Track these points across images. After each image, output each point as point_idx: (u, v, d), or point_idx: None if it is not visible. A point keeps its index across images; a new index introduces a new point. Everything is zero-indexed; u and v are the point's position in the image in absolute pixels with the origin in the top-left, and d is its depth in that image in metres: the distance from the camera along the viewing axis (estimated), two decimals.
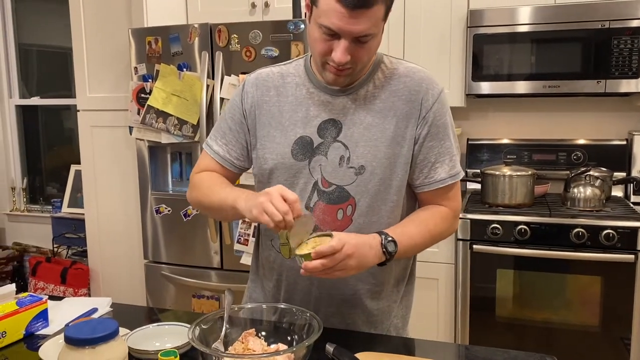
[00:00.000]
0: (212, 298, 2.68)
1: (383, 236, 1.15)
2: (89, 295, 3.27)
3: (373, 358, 1.10)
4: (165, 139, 2.68)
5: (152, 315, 1.56)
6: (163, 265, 2.81)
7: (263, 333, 1.16)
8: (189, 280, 2.72)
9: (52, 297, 1.48)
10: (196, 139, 2.62)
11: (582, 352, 2.38)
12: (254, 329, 1.15)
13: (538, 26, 2.54)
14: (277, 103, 1.28)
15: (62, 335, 1.22)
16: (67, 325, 1.31)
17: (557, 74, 2.54)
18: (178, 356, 0.81)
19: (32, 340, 1.29)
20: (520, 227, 2.39)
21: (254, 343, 1.11)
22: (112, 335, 0.94)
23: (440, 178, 1.25)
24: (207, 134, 2.56)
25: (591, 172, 2.49)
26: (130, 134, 2.77)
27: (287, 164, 1.25)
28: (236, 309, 1.18)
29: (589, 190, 2.47)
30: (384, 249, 1.14)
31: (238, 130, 1.32)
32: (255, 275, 1.43)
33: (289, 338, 1.15)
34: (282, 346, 1.14)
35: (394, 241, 1.15)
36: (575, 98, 2.84)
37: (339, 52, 1.12)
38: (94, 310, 1.41)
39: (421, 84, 1.24)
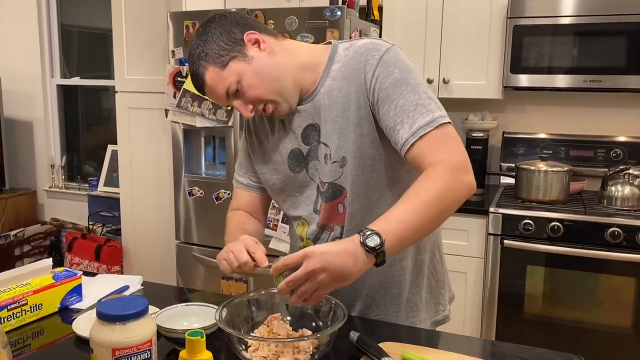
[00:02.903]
0: (241, 280, 2.72)
1: (361, 233, 1.00)
2: (122, 273, 3.36)
3: (397, 348, 1.10)
4: (199, 122, 2.72)
5: (181, 294, 1.60)
6: (194, 247, 2.86)
7: (288, 318, 1.17)
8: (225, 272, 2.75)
9: (86, 273, 1.53)
10: (230, 123, 2.65)
11: (612, 354, 2.34)
12: (279, 313, 1.17)
13: (581, 18, 2.47)
14: (261, 129, 1.34)
15: (94, 310, 1.26)
16: (99, 301, 1.35)
17: (600, 68, 2.47)
18: (204, 336, 0.82)
19: (66, 314, 1.33)
20: (553, 223, 2.35)
21: (279, 327, 1.12)
22: (142, 313, 0.96)
23: (404, 140, 1.10)
24: (241, 119, 2.59)
25: (630, 171, 2.42)
26: (166, 117, 2.81)
27: (290, 179, 1.31)
28: (263, 292, 1.19)
29: (627, 189, 2.40)
30: (365, 247, 0.99)
31: (248, 158, 1.40)
32: None
33: (313, 324, 1.16)
34: (306, 331, 1.15)
35: (376, 234, 0.99)
36: (617, 94, 2.76)
37: (241, 112, 1.20)
38: (126, 287, 1.45)
39: (360, 59, 1.18)
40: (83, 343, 1.16)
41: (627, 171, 2.43)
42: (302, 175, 1.29)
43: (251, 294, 1.19)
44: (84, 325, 1.20)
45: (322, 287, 1.01)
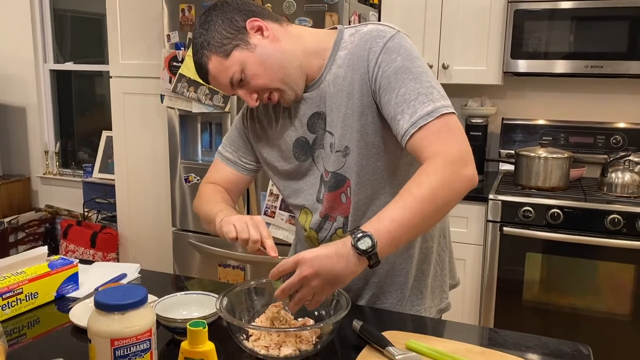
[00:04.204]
0: (238, 268, 2.70)
1: (353, 235, 0.96)
2: (118, 260, 3.34)
3: (401, 337, 1.09)
4: (196, 108, 2.68)
5: (179, 282, 1.57)
6: (190, 234, 2.84)
7: None
8: (216, 249, 2.74)
9: (82, 261, 1.50)
10: (227, 109, 2.61)
11: (611, 341, 2.34)
12: (280, 302, 1.15)
13: (583, 2, 2.44)
14: (264, 114, 1.31)
15: (91, 299, 1.23)
16: (96, 289, 1.33)
17: (601, 54, 2.44)
18: (206, 327, 0.80)
19: (62, 302, 1.31)
20: (553, 210, 2.34)
21: (281, 316, 1.10)
22: (141, 302, 0.94)
23: (404, 130, 1.07)
24: (238, 105, 2.56)
25: (631, 157, 2.41)
26: (162, 102, 2.77)
27: (295, 167, 1.28)
28: (264, 281, 1.17)
29: (627, 176, 2.39)
30: (358, 251, 0.95)
31: (244, 139, 1.36)
32: (294, 251, 1.46)
33: (316, 313, 1.14)
34: (309, 320, 1.13)
35: (368, 235, 0.95)
36: (617, 79, 2.73)
37: (247, 101, 1.18)
38: (123, 275, 1.43)
39: (365, 46, 1.14)
40: (80, 332, 1.13)
41: (627, 158, 2.41)
42: (307, 164, 1.27)
43: (252, 283, 1.17)
44: (80, 314, 1.18)
45: (318, 292, 0.99)
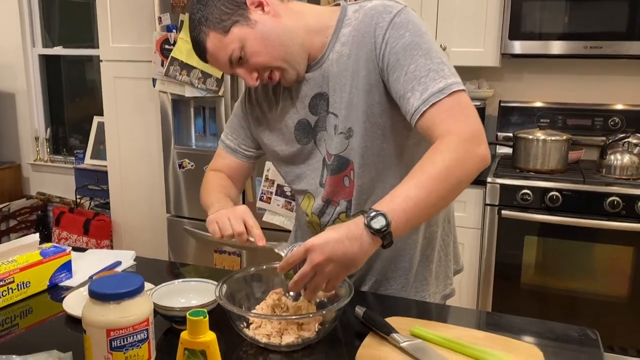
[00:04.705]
0: (234, 254, 2.67)
1: (365, 215, 0.93)
2: (112, 247, 3.30)
3: (405, 324, 1.06)
4: (188, 92, 2.63)
5: (175, 269, 1.54)
6: (185, 220, 2.80)
7: (291, 293, 1.12)
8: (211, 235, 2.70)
9: (75, 249, 1.47)
10: (220, 93, 2.56)
11: (609, 323, 2.33)
12: (281, 289, 1.12)
13: None
14: (264, 98, 1.27)
15: (86, 287, 1.20)
16: (90, 277, 1.29)
17: (601, 34, 2.40)
18: (207, 316, 0.77)
19: (55, 291, 1.27)
20: (552, 193, 2.32)
21: (282, 303, 1.07)
22: (138, 290, 0.90)
23: (414, 108, 1.02)
24: (232, 88, 2.51)
25: (630, 139, 2.39)
26: (154, 86, 2.72)
27: (297, 151, 1.24)
28: (264, 267, 1.14)
29: (626, 158, 2.37)
30: (371, 230, 0.92)
31: (244, 126, 1.33)
32: (294, 238, 1.43)
33: (317, 300, 1.11)
34: (311, 307, 1.10)
35: (381, 214, 0.92)
36: (615, 60, 2.70)
37: (246, 80, 1.14)
38: (118, 263, 1.39)
39: (371, 22, 1.10)
40: (75, 322, 1.10)
41: (626, 139, 2.40)
42: (309, 147, 1.23)
43: (252, 269, 1.14)
44: (75, 303, 1.14)
45: (333, 278, 0.96)
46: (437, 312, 1.20)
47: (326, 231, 0.95)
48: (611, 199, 2.25)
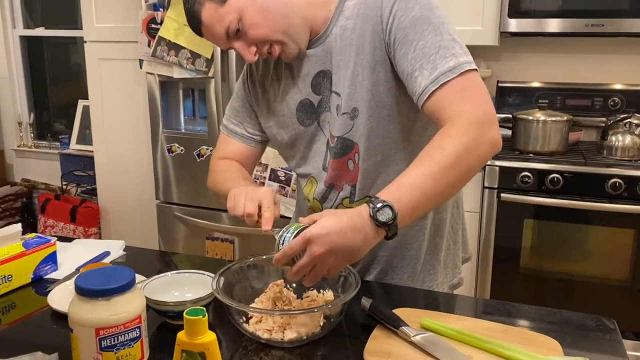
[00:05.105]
0: (227, 241, 2.60)
1: (371, 205, 0.87)
2: (100, 234, 3.21)
3: (413, 315, 1.00)
4: (177, 73, 2.53)
5: (166, 259, 1.47)
6: (175, 206, 2.72)
7: (294, 284, 1.06)
8: (202, 222, 2.63)
9: (61, 239, 1.39)
10: (210, 74, 2.47)
11: (610, 306, 2.30)
12: (282, 280, 1.05)
13: None
14: (265, 77, 1.19)
15: (72, 281, 1.12)
16: (77, 269, 1.22)
17: (602, 11, 2.33)
18: (206, 315, 0.70)
19: (40, 285, 1.20)
20: (552, 175, 2.26)
21: (284, 296, 1.00)
22: (129, 285, 0.83)
23: (422, 88, 0.96)
24: (222, 69, 2.41)
25: (632, 120, 2.33)
26: (141, 68, 2.62)
27: (300, 134, 1.17)
28: (264, 257, 1.07)
29: (628, 139, 2.32)
30: (376, 222, 0.86)
31: (248, 108, 1.25)
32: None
33: (321, 291, 1.04)
34: (314, 296, 1.03)
35: (388, 206, 0.86)
36: (616, 39, 2.64)
37: (244, 55, 1.06)
38: (106, 254, 1.31)
39: None
40: (61, 318, 1.03)
41: (627, 120, 2.34)
42: (312, 129, 1.15)
43: (250, 259, 1.07)
44: (60, 298, 1.07)
45: (333, 267, 0.90)
46: (446, 303, 1.15)
47: (327, 218, 0.88)
48: (613, 180, 2.20)
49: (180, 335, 0.70)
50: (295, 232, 0.90)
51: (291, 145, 1.20)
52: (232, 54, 2.36)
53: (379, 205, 0.86)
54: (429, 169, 0.89)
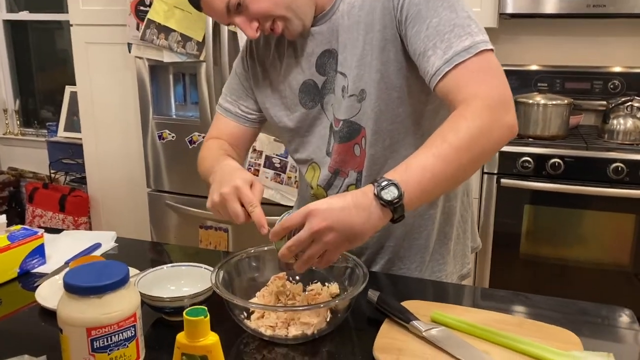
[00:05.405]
0: (220, 229, 2.54)
1: (376, 184, 0.81)
2: (90, 224, 3.14)
3: (421, 307, 0.95)
4: (167, 57, 2.45)
5: (158, 248, 1.41)
6: (166, 194, 2.66)
7: (297, 277, 1.00)
8: (195, 210, 2.56)
9: (48, 230, 1.32)
10: (202, 58, 2.39)
11: (611, 292, 2.27)
12: (284, 273, 1.00)
13: None
14: (266, 55, 1.13)
15: (61, 275, 1.06)
16: (67, 263, 1.15)
17: None
18: (208, 315, 0.64)
19: (27, 279, 1.13)
20: (553, 160, 2.22)
21: (288, 289, 0.95)
22: (122, 281, 0.77)
23: (435, 68, 0.90)
24: (215, 52, 2.34)
25: (633, 103, 2.29)
26: (129, 52, 2.53)
27: (302, 116, 1.10)
28: (265, 248, 1.01)
29: (629, 122, 2.27)
30: (381, 201, 0.80)
31: (245, 86, 1.19)
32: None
33: (326, 284, 0.99)
34: (318, 288, 0.98)
35: (393, 184, 0.80)
36: (615, 20, 2.58)
37: (245, 31, 1.00)
38: (97, 246, 1.25)
39: None
40: (50, 315, 0.96)
41: (629, 103, 2.30)
42: (315, 112, 1.09)
43: (251, 250, 1.01)
44: (48, 294, 1.01)
45: (331, 249, 0.83)
46: (455, 294, 1.10)
47: (330, 197, 0.83)
48: (615, 165, 2.16)
49: (180, 338, 0.65)
50: None
51: (291, 129, 1.14)
52: (225, 36, 2.28)
53: (383, 183, 0.81)
54: (440, 151, 0.83)
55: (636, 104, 2.30)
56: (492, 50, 0.91)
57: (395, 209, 0.81)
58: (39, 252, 1.17)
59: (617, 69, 2.61)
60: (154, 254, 1.35)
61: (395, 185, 0.81)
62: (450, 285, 1.13)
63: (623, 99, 2.32)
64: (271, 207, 2.30)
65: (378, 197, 0.80)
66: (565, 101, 2.34)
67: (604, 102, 2.50)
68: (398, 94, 1.00)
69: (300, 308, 0.88)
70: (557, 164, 2.21)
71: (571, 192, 2.22)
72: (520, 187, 2.27)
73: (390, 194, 0.80)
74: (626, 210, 2.20)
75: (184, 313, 0.64)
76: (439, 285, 1.11)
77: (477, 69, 0.88)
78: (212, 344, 0.64)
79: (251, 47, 1.16)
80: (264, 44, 1.14)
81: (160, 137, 2.60)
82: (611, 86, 2.60)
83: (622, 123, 2.29)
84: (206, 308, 0.64)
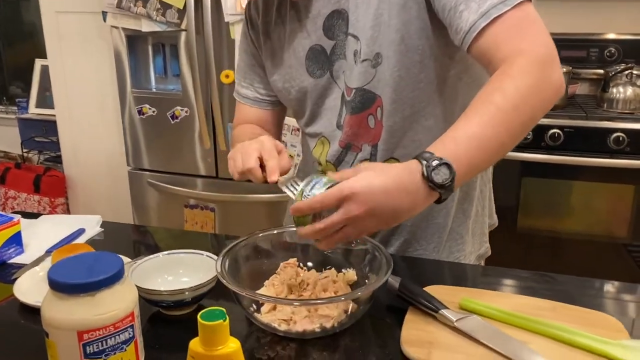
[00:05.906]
0: (207, 209, 2.42)
1: (424, 163, 0.71)
2: (67, 205, 3.00)
3: (446, 293, 0.86)
4: (146, 26, 2.30)
5: (146, 231, 1.30)
6: (147, 173, 2.53)
7: (309, 264, 0.90)
8: (178, 188, 2.44)
9: (25, 215, 1.20)
10: (183, 26, 2.24)
11: (610, 264, 2.24)
12: (295, 259, 0.90)
13: None
14: (269, 21, 1.03)
15: (42, 266, 0.95)
16: (48, 252, 1.04)
17: None
18: (227, 318, 0.54)
19: (3, 271, 1.02)
20: (552, 131, 2.14)
21: (302, 277, 0.85)
22: (117, 276, 0.67)
23: (470, 24, 0.80)
24: (197, 20, 2.19)
25: (634, 70, 2.22)
26: (104, 21, 2.37)
27: (309, 87, 0.99)
28: (275, 232, 0.91)
29: (629, 90, 2.21)
30: (431, 184, 0.71)
31: (255, 64, 1.08)
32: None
33: (343, 271, 0.89)
34: (335, 275, 0.88)
35: (445, 164, 0.71)
36: None
37: None
38: (81, 231, 1.13)
39: None
40: (31, 312, 0.86)
41: (629, 71, 2.23)
42: (324, 81, 0.99)
43: (259, 234, 0.91)
44: (29, 288, 0.90)
45: (365, 231, 0.74)
46: (478, 276, 1.02)
47: (369, 173, 0.71)
48: (616, 135, 2.09)
49: (194, 345, 0.54)
50: (326, 187, 0.73)
51: (299, 101, 1.03)
52: (207, 3, 2.14)
53: (434, 163, 0.70)
54: (489, 116, 0.73)
55: (636, 72, 2.24)
56: (530, 1, 0.81)
57: (445, 191, 0.72)
58: (16, 241, 1.05)
59: (613, 36, 2.54)
60: (144, 239, 1.23)
61: (448, 165, 0.71)
62: (469, 267, 1.05)
63: (622, 67, 2.25)
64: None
65: (428, 179, 0.71)
66: (564, 69, 2.26)
67: (601, 71, 2.42)
68: (420, 58, 0.90)
69: (320, 302, 0.79)
70: (556, 134, 2.14)
71: (570, 163, 2.15)
72: (519, 159, 2.19)
73: (441, 175, 0.71)
74: (626, 181, 2.15)
75: (198, 316, 0.53)
76: (459, 267, 1.03)
77: (517, 23, 0.79)
78: (233, 351, 0.54)
79: (250, 16, 1.06)
80: (264, 9, 1.02)
81: (140, 112, 2.46)
82: (607, 54, 2.53)
83: (621, 91, 2.22)
84: (224, 310, 0.54)
